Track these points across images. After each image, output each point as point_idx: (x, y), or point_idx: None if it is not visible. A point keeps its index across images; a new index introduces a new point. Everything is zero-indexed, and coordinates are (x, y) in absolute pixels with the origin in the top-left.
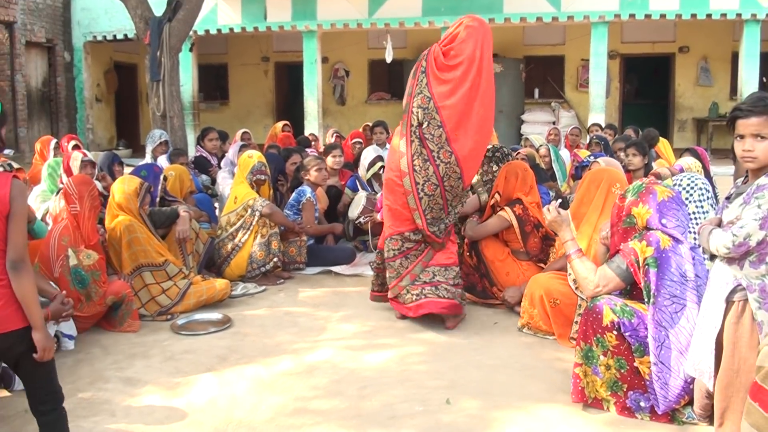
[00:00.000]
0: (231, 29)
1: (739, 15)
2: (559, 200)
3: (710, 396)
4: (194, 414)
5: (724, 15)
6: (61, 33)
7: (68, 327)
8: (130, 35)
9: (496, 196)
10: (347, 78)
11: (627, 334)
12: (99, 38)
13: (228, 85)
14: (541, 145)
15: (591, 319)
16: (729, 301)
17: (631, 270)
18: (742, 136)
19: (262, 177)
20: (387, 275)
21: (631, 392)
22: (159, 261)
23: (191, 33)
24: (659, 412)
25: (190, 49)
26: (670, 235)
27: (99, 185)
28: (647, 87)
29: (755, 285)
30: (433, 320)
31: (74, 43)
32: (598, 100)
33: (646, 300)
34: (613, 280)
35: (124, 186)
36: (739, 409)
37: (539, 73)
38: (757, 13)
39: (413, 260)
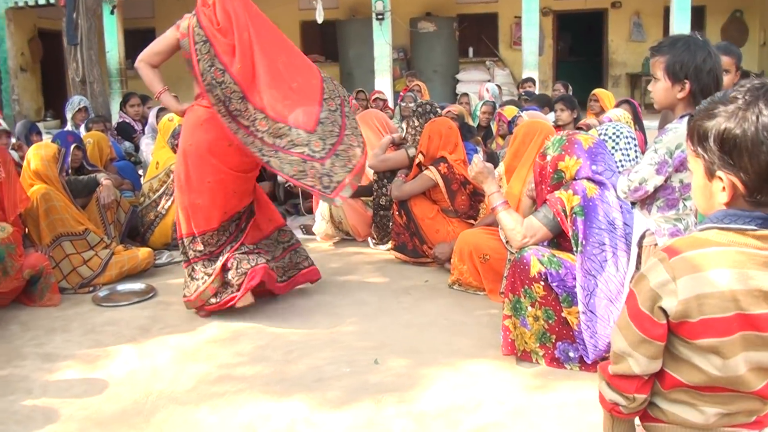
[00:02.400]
0: None
1: None
2: (485, 155)
3: None
4: (114, 387)
5: None
6: None
7: None
8: (53, 0)
9: (420, 156)
10: None
11: (554, 284)
12: (21, 4)
13: None
14: (485, 102)
15: (518, 270)
16: (640, 246)
17: (558, 219)
18: None
19: None
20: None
21: (560, 343)
22: (79, 230)
23: None
24: (588, 362)
25: (111, 12)
26: (597, 183)
27: (15, 155)
28: (581, 44)
29: (664, 230)
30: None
31: None
32: (531, 58)
33: (574, 248)
34: (540, 230)
35: (41, 152)
36: None
37: (473, 31)
38: None
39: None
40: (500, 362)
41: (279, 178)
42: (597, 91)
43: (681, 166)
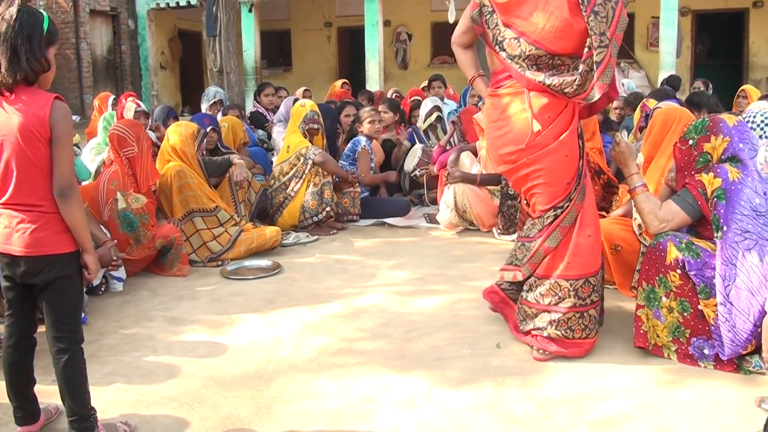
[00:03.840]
0: None
1: None
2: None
3: None
4: (237, 351)
5: None
6: (125, 1)
7: (118, 270)
8: (193, 2)
9: None
10: (409, 42)
11: (692, 273)
12: (162, 5)
13: (291, 51)
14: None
15: (654, 257)
16: None
17: (699, 203)
18: None
19: (315, 126)
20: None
21: (695, 339)
22: (210, 206)
23: None
24: (724, 358)
25: (250, 10)
26: (741, 165)
27: (152, 135)
28: (720, 47)
29: None
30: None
31: (138, 11)
32: (668, 58)
33: (715, 234)
34: (678, 214)
35: (181, 129)
36: None
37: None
38: None
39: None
40: (630, 355)
41: (405, 167)
42: (746, 87)
43: None
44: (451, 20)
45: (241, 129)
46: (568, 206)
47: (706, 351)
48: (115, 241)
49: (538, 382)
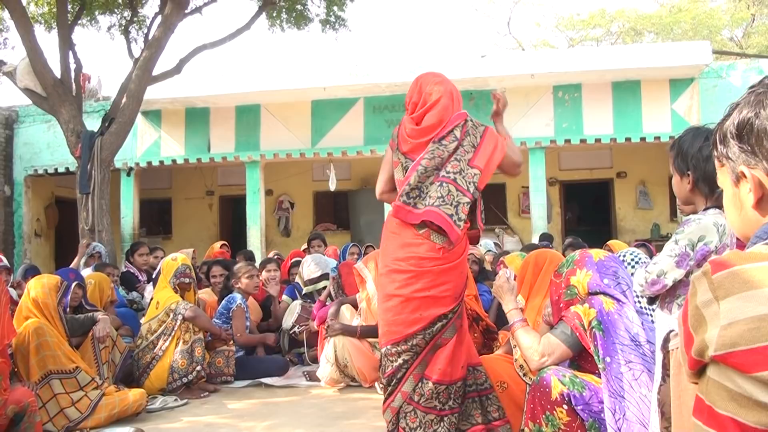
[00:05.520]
0: (174, 161)
1: (672, 137)
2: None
3: None
4: None
5: (657, 138)
6: (2, 167)
7: None
8: (72, 168)
9: None
10: (292, 210)
11: (579, 408)
12: (40, 171)
13: (171, 219)
14: (488, 251)
15: (539, 394)
16: (666, 351)
17: (577, 334)
18: None
19: (186, 280)
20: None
21: None
22: (70, 367)
23: (133, 165)
24: None
25: (128, 174)
26: (613, 298)
27: (13, 292)
28: (589, 214)
29: None
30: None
31: (15, 177)
32: (539, 222)
33: (598, 366)
34: (558, 347)
35: (43, 280)
36: None
37: (482, 200)
38: None
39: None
40: None
41: (284, 324)
42: (610, 242)
43: (703, 261)
44: (332, 188)
45: (108, 286)
46: (452, 317)
47: None
48: None
49: None
